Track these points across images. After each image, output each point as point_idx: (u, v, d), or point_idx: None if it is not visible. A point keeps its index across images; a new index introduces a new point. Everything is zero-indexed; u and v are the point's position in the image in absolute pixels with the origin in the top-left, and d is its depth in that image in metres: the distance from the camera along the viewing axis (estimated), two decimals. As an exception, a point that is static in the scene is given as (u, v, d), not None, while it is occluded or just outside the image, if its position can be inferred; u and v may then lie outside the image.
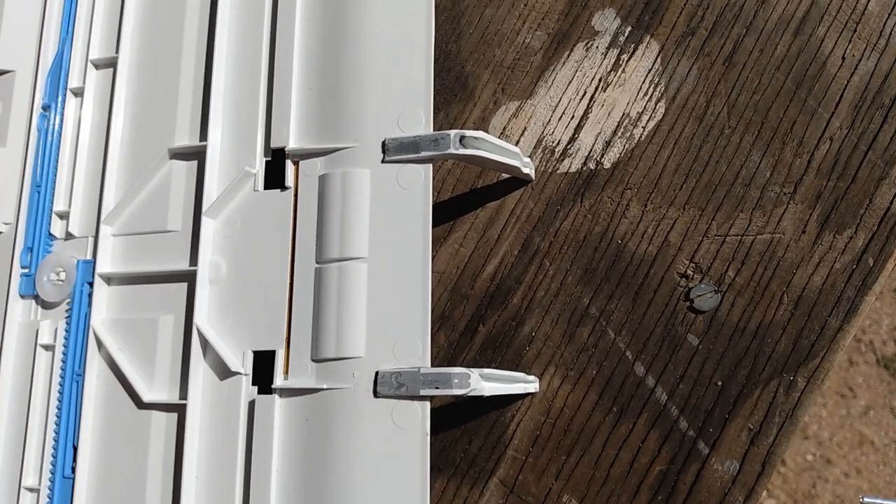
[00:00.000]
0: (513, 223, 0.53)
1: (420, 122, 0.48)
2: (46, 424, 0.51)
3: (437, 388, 0.43)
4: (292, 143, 0.50)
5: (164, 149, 0.52)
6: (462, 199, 0.54)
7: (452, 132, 0.46)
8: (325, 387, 0.45)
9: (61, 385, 0.51)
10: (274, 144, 0.50)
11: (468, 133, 0.46)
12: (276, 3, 0.53)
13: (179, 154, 0.52)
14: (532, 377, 0.50)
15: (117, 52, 0.56)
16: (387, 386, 0.44)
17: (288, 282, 0.48)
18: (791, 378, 0.47)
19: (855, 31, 0.50)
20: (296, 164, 0.50)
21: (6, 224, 0.56)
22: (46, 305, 0.53)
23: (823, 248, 0.48)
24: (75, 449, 0.50)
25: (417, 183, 0.47)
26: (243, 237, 0.50)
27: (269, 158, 0.51)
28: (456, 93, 0.56)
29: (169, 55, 0.55)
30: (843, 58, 0.50)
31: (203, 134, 0.52)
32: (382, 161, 0.48)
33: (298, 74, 0.51)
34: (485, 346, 0.52)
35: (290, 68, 0.51)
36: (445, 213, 0.54)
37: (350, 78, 0.50)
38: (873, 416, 1.26)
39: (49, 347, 0.52)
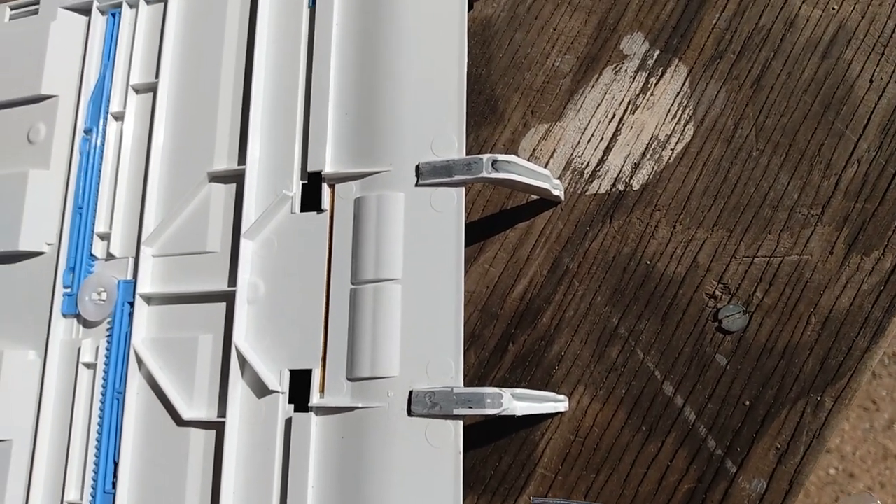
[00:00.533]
0: (542, 244, 0.54)
1: (453, 147, 0.49)
2: (88, 440, 0.52)
3: (470, 407, 0.44)
4: (328, 167, 0.51)
5: (204, 172, 0.54)
6: (492, 219, 0.55)
7: (485, 156, 0.47)
8: (360, 405, 0.47)
9: (102, 402, 0.53)
10: (311, 168, 0.51)
11: (500, 157, 0.47)
12: (312, 30, 0.54)
13: (218, 177, 0.54)
14: (562, 396, 0.50)
15: (157, 77, 0.57)
16: (420, 405, 0.45)
17: (324, 302, 0.49)
18: (818, 398, 0.47)
19: (882, 54, 0.50)
20: (332, 187, 0.51)
21: (49, 245, 0.58)
22: (88, 324, 0.55)
23: (851, 269, 0.48)
24: (116, 465, 0.51)
25: (450, 206, 0.48)
26: (280, 258, 0.51)
27: (306, 182, 0.52)
28: (486, 115, 0.57)
29: (208, 80, 0.56)
30: (871, 80, 0.50)
31: (241, 158, 0.53)
32: (416, 184, 0.49)
33: (335, 100, 0.52)
34: (514, 365, 0.52)
35: (326, 94, 0.52)
36: (476, 233, 0.55)
37: (385, 103, 0.51)
38: (897, 430, 1.25)
39: (91, 365, 0.54)
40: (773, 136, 0.51)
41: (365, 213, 0.49)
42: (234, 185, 0.54)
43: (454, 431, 0.44)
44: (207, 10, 0.58)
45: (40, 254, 0.58)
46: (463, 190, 0.48)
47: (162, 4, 0.60)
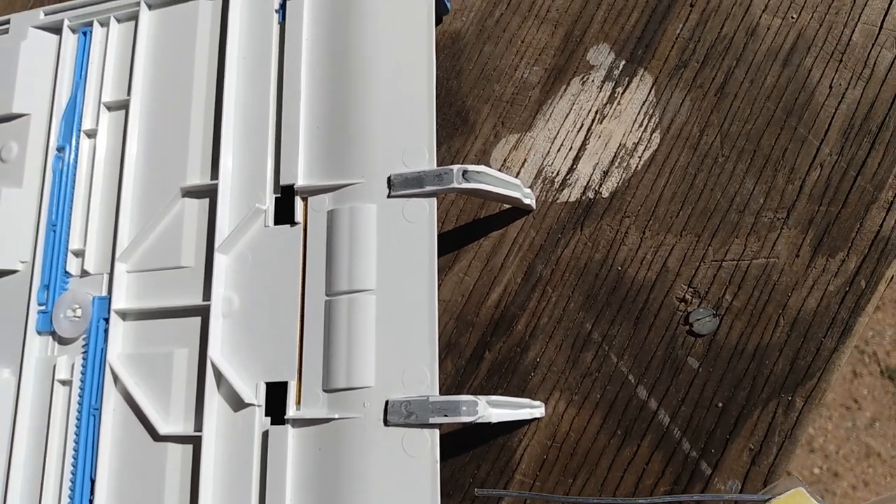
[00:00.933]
0: (515, 252, 0.54)
1: (424, 158, 0.49)
2: (64, 458, 0.52)
3: (445, 415, 0.44)
4: (301, 180, 0.51)
5: (177, 187, 0.54)
6: (465, 229, 0.56)
7: (455, 167, 0.48)
8: (336, 416, 0.47)
9: (78, 419, 0.53)
10: (283, 181, 0.52)
11: (470, 168, 0.48)
12: (282, 45, 0.55)
13: (191, 192, 0.54)
14: (538, 402, 0.51)
15: (129, 94, 0.57)
16: (397, 414, 0.45)
17: (299, 314, 0.50)
18: (789, 398, 0.48)
19: (841, 60, 0.52)
20: (304, 200, 0.51)
21: (23, 262, 0.57)
22: (63, 341, 0.55)
23: (817, 271, 0.49)
24: (93, 482, 0.51)
25: (422, 216, 0.48)
26: (255, 272, 0.51)
27: (279, 195, 0.52)
28: (457, 127, 0.58)
29: (179, 96, 0.57)
30: (831, 87, 0.52)
31: (214, 172, 0.54)
32: (388, 196, 0.49)
33: (306, 113, 0.53)
34: (491, 372, 0.53)
35: (297, 107, 0.53)
36: (450, 243, 0.55)
37: (356, 116, 0.51)
38: (879, 428, 1.27)
39: (66, 382, 0.54)
40: (738, 143, 0.52)
41: (338, 226, 0.50)
42: (207, 200, 0.54)
43: (430, 440, 0.45)
44: (178, 27, 0.59)
45: (14, 272, 0.57)
46: (434, 200, 0.48)
47: (133, 22, 0.60)
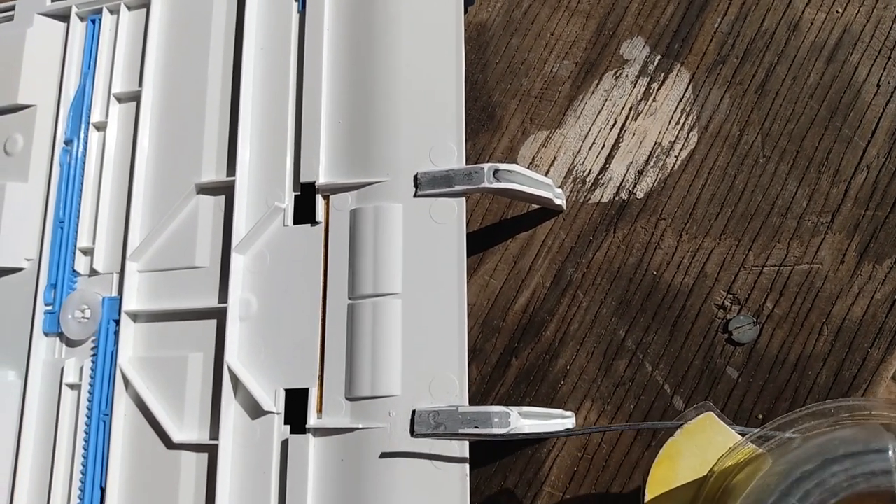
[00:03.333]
0: (544, 254, 0.52)
1: (452, 156, 0.47)
2: (73, 466, 0.50)
3: (476, 427, 0.42)
4: (322, 178, 0.49)
5: (191, 184, 0.52)
6: (492, 230, 0.54)
7: (486, 166, 0.46)
8: (360, 426, 0.45)
9: (88, 425, 0.50)
10: (304, 179, 0.49)
11: (502, 167, 0.46)
12: (302, 36, 0.52)
13: (206, 189, 0.52)
14: (569, 413, 0.49)
15: (140, 85, 0.55)
16: (424, 425, 0.43)
17: (320, 318, 0.47)
18: (833, 411, 0.46)
19: (889, 57, 0.50)
20: (326, 198, 0.49)
21: (28, 260, 0.55)
22: (71, 343, 0.53)
23: (863, 278, 0.47)
24: (103, 491, 0.49)
25: (451, 217, 0.46)
26: (273, 273, 0.49)
27: (299, 193, 0.50)
28: (483, 123, 0.56)
29: (193, 88, 0.54)
30: (878, 85, 0.49)
31: (231, 168, 0.51)
32: (415, 195, 0.47)
33: (327, 107, 0.50)
34: (518, 379, 0.51)
35: (318, 101, 0.50)
36: (475, 244, 0.53)
37: (380, 111, 0.49)
38: None
39: (75, 386, 0.52)
40: (780, 143, 0.50)
41: (362, 226, 0.47)
42: (223, 197, 0.52)
43: (459, 452, 0.43)
44: (192, 15, 0.56)
45: (19, 270, 0.55)
46: (464, 200, 0.46)
47: (144, 10, 0.57)
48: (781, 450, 0.33)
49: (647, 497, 0.39)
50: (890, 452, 0.29)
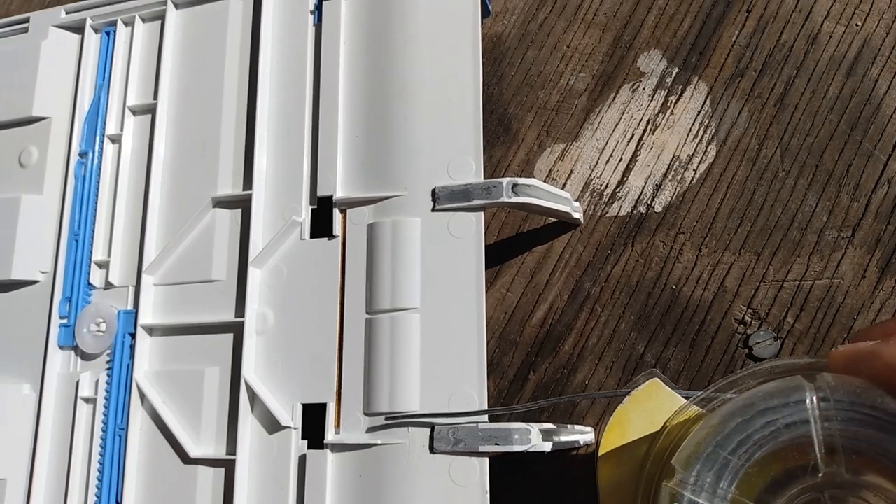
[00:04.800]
0: (562, 268, 0.52)
1: (470, 170, 0.47)
2: (88, 480, 0.50)
3: (496, 444, 0.42)
4: (339, 192, 0.49)
5: (207, 197, 0.52)
6: (508, 243, 0.53)
7: (504, 180, 0.45)
8: (378, 442, 0.44)
9: (103, 439, 0.50)
10: (320, 193, 0.49)
11: (521, 181, 0.46)
12: (318, 49, 0.52)
13: (223, 202, 0.52)
14: (588, 429, 0.48)
15: (156, 98, 0.55)
16: (444, 442, 0.43)
17: (337, 333, 0.47)
18: (854, 427, 0.46)
19: (910, 71, 0.49)
20: (343, 212, 0.49)
21: (43, 273, 0.55)
22: (86, 357, 0.52)
23: (885, 293, 0.47)
24: (119, 506, 0.48)
25: (469, 231, 0.46)
26: (290, 287, 0.49)
27: (316, 206, 0.50)
28: (499, 135, 0.55)
29: (209, 101, 0.54)
30: (899, 99, 0.49)
31: (247, 182, 0.51)
32: (433, 209, 0.47)
33: (344, 121, 0.50)
34: (536, 394, 0.50)
35: (335, 115, 0.50)
36: (492, 257, 0.53)
37: (397, 125, 0.49)
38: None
39: (90, 400, 0.51)
40: (800, 157, 0.49)
41: (379, 240, 0.47)
42: (239, 211, 0.52)
43: (480, 469, 0.42)
44: (207, 28, 0.56)
45: (34, 282, 0.55)
46: (482, 215, 0.46)
47: (159, 22, 0.57)
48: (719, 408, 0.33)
49: (601, 453, 0.40)
50: (807, 402, 0.29)
